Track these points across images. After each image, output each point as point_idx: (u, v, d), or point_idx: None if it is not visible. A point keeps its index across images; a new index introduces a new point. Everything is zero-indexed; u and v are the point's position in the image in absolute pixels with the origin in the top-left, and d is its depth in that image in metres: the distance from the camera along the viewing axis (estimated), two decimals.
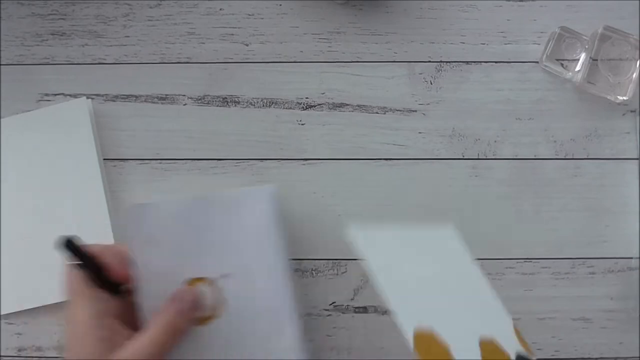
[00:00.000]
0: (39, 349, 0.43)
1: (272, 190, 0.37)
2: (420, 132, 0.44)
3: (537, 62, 0.44)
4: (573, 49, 0.44)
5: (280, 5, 0.45)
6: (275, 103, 0.44)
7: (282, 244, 0.37)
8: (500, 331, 0.36)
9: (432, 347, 0.35)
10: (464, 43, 0.45)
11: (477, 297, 0.37)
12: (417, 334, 0.35)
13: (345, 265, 0.42)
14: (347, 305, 0.42)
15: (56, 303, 0.42)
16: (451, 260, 0.38)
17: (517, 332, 0.36)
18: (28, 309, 0.42)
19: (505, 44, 0.44)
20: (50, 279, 0.42)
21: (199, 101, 0.44)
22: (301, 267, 0.42)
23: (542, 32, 0.44)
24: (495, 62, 0.44)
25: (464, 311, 0.36)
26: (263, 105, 0.44)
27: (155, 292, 0.35)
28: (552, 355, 0.42)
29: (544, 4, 0.45)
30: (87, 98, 0.44)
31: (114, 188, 0.44)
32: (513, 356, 0.35)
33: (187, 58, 0.45)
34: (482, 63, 0.44)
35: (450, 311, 0.36)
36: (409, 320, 0.35)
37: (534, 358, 0.34)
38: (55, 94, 0.45)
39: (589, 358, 0.42)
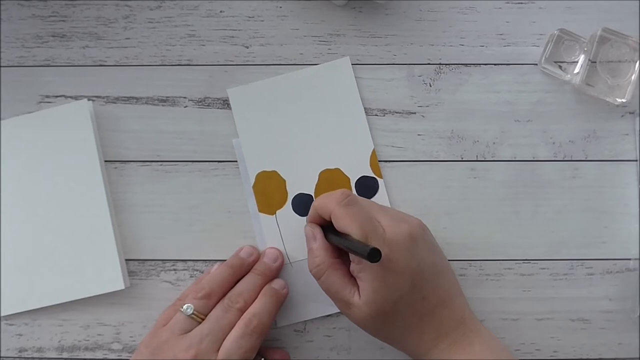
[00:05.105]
0: (39, 350, 0.43)
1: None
2: (419, 134, 0.44)
3: (536, 64, 0.44)
4: (572, 51, 0.44)
5: (281, 7, 0.45)
6: None
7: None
8: (350, 161, 0.43)
9: (271, 182, 0.43)
10: (463, 45, 0.45)
11: (335, 133, 0.43)
12: (259, 174, 0.42)
13: None
14: None
15: (57, 304, 0.42)
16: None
17: (374, 160, 0.43)
18: (28, 310, 0.43)
19: (504, 46, 0.45)
20: (51, 280, 0.42)
21: (200, 103, 0.45)
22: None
23: (541, 34, 0.45)
24: (494, 64, 0.44)
25: (309, 151, 0.43)
26: None
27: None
28: (551, 356, 0.42)
29: (543, 5, 0.45)
30: (88, 100, 0.45)
31: (115, 189, 0.44)
32: (355, 179, 0.43)
33: (188, 60, 0.45)
34: (481, 65, 0.44)
35: (296, 154, 0.43)
36: (254, 166, 0.43)
37: (379, 178, 0.42)
38: (56, 96, 0.45)
39: (588, 359, 0.42)
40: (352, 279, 0.36)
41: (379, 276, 0.35)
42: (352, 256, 0.36)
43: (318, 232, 0.38)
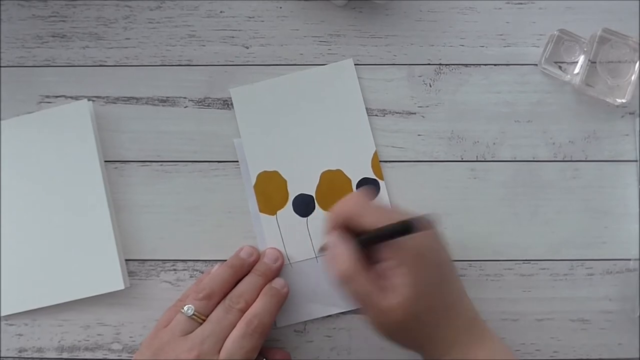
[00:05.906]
0: (39, 350, 0.43)
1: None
2: (419, 135, 0.44)
3: (536, 64, 0.44)
4: (572, 51, 0.44)
5: (281, 7, 0.45)
6: None
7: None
8: (352, 162, 0.43)
9: (272, 182, 0.43)
10: (463, 45, 0.45)
11: (337, 135, 0.43)
12: (260, 174, 0.43)
13: None
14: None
15: (57, 304, 0.42)
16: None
17: (375, 162, 0.43)
18: (29, 310, 0.43)
19: (504, 46, 0.45)
20: (51, 280, 0.42)
21: (200, 103, 0.45)
22: None
23: (541, 35, 0.45)
24: (494, 64, 0.45)
25: (311, 152, 0.43)
26: None
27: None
28: (551, 357, 0.42)
29: (543, 5, 0.45)
30: (88, 100, 0.45)
31: (115, 190, 0.44)
32: (356, 180, 0.42)
33: (188, 60, 0.45)
34: (481, 65, 0.44)
35: (298, 154, 0.43)
36: (256, 166, 0.43)
37: (381, 180, 0.42)
38: (56, 96, 0.45)
39: (588, 359, 0.42)
40: (380, 282, 0.35)
41: (413, 270, 0.34)
42: (385, 253, 0.34)
43: (344, 237, 0.36)
